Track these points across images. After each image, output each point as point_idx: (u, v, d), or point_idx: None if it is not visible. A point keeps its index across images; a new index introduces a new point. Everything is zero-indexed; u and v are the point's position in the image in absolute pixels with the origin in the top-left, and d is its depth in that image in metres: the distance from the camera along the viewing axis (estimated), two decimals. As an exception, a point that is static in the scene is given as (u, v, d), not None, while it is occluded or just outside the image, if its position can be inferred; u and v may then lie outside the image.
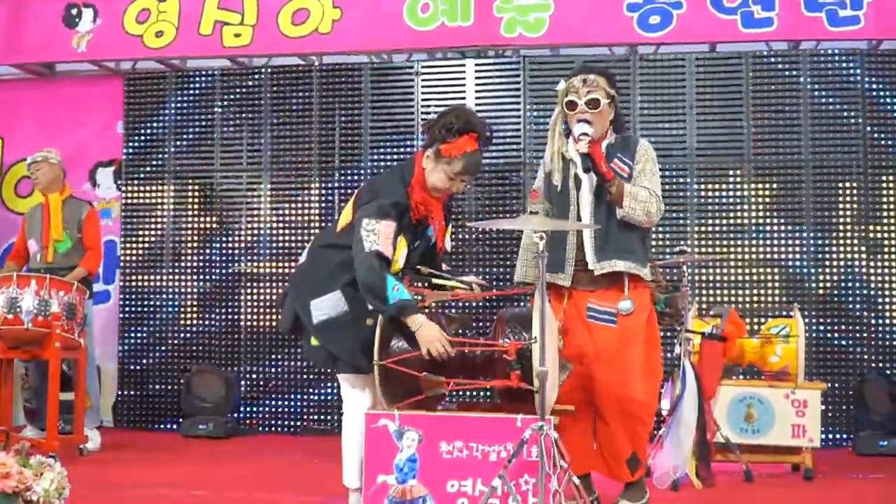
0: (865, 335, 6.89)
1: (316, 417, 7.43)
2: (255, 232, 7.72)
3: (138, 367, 7.80)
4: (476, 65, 7.49)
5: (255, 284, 7.70)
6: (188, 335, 7.77)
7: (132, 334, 7.85)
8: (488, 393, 6.38)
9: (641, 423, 4.21)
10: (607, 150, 4.26)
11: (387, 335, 3.90)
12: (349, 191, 7.42)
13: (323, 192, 7.65)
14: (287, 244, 7.66)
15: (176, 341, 7.78)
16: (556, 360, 4.03)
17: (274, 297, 7.60)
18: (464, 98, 7.41)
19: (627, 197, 4.16)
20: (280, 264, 7.64)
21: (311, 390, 7.45)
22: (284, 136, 7.73)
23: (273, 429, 7.51)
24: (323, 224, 7.56)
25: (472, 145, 4.05)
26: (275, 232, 7.68)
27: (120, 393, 7.78)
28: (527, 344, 3.82)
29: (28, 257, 6.77)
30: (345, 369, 4.16)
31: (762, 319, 6.61)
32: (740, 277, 7.04)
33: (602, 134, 4.28)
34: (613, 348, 4.17)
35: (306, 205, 7.64)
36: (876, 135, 7.02)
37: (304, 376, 7.49)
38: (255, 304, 7.69)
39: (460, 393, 6.46)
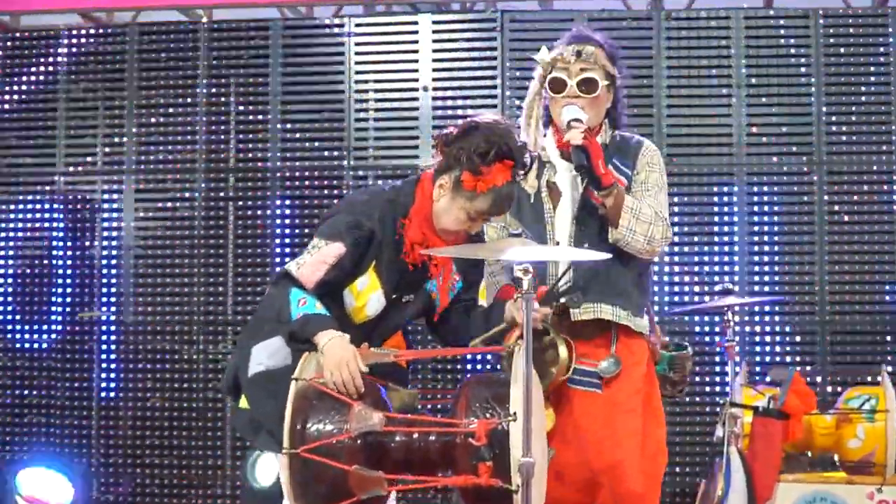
0: None
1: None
2: (114, 262, 7.71)
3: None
4: (433, 23, 7.51)
5: (118, 336, 7.69)
6: (16, 410, 7.74)
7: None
8: (447, 495, 6.37)
9: None
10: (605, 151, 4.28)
11: (302, 410, 3.85)
12: (251, 202, 7.50)
13: (211, 202, 7.64)
14: (157, 276, 7.67)
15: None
16: (545, 445, 4.04)
17: (142, 356, 7.62)
18: (416, 71, 7.44)
19: (627, 213, 4.18)
20: (147, 307, 7.65)
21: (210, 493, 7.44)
22: (157, 125, 7.73)
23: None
24: (212, 249, 7.58)
25: (505, 176, 4.01)
26: (141, 258, 7.70)
27: None
28: (502, 423, 3.76)
29: None
30: (268, 445, 4.10)
31: (839, 388, 6.61)
32: (807, 328, 7.03)
33: (595, 128, 4.31)
34: (599, 422, 4.22)
35: (187, 221, 7.63)
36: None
37: (198, 471, 7.47)
38: (121, 362, 7.68)
39: (408, 496, 6.43)
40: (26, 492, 7.13)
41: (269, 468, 6.27)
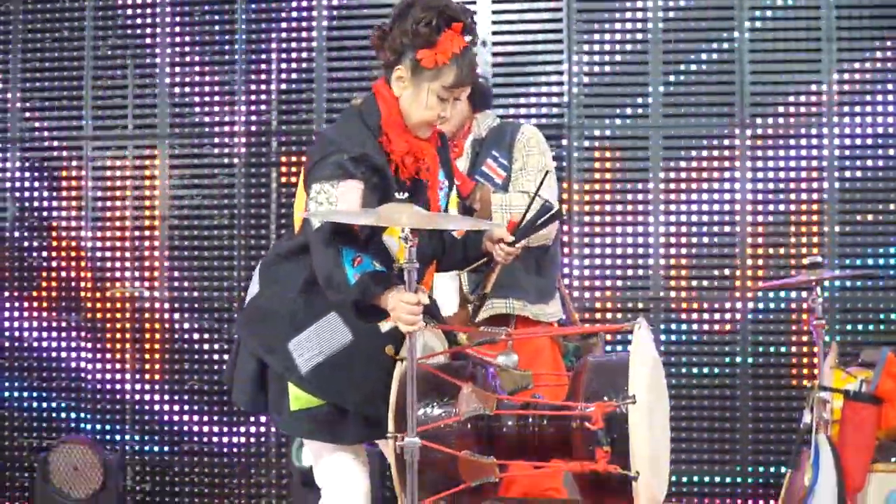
0: None
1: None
2: (147, 233, 7.82)
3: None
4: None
5: (152, 314, 7.78)
6: (44, 391, 7.87)
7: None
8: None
9: None
10: (475, 148, 4.55)
11: (405, 395, 3.82)
12: (296, 168, 7.59)
13: (252, 167, 7.75)
14: (193, 249, 7.78)
15: (26, 402, 7.88)
16: (667, 431, 4.19)
17: (179, 335, 7.72)
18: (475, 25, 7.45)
19: (498, 211, 4.45)
20: (183, 283, 7.77)
21: (237, 480, 7.54)
22: (192, 84, 7.82)
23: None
24: (253, 220, 7.71)
25: (459, 42, 4.01)
26: (176, 233, 7.80)
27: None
28: (621, 406, 3.86)
29: None
30: (347, 438, 4.16)
31: None
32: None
33: (464, 127, 4.60)
34: None
35: (226, 189, 7.77)
36: None
37: (228, 457, 7.62)
38: (152, 344, 7.79)
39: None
40: (56, 479, 7.38)
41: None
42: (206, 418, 7.68)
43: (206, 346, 7.70)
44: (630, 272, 7.37)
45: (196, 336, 7.72)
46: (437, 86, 4.01)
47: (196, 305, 7.66)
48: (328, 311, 4.07)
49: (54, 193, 7.93)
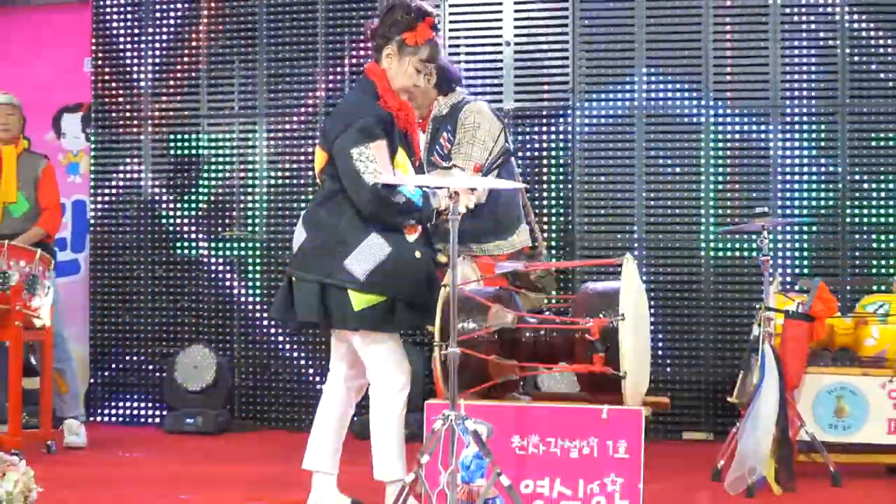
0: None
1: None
2: (250, 189, 7.77)
3: (113, 351, 7.91)
4: (514, -11, 7.47)
5: (252, 252, 7.76)
6: (172, 312, 7.86)
7: (106, 311, 7.94)
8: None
9: None
10: (435, 124, 4.73)
11: (448, 313, 3.90)
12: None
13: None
14: (287, 202, 7.72)
15: (158, 319, 7.87)
16: (648, 341, 4.27)
17: (275, 267, 7.69)
18: (500, 28, 7.41)
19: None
20: (279, 227, 7.71)
21: (320, 378, 7.46)
22: (283, 75, 7.77)
23: (274, 423, 7.61)
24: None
25: (430, 31, 4.38)
26: (273, 189, 7.73)
27: (92, 381, 7.90)
28: (613, 321, 3.93)
29: None
30: (401, 325, 4.34)
31: (857, 295, 6.59)
32: (831, 245, 7.03)
33: (430, 107, 4.76)
34: None
35: (311, 156, 7.62)
36: None
37: (313, 361, 7.58)
38: (253, 275, 7.76)
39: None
40: (180, 376, 7.45)
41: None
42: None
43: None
44: (622, 220, 7.31)
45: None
46: (416, 59, 4.36)
47: (287, 245, 7.52)
48: (368, 233, 4.23)
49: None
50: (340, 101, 4.57)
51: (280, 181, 7.73)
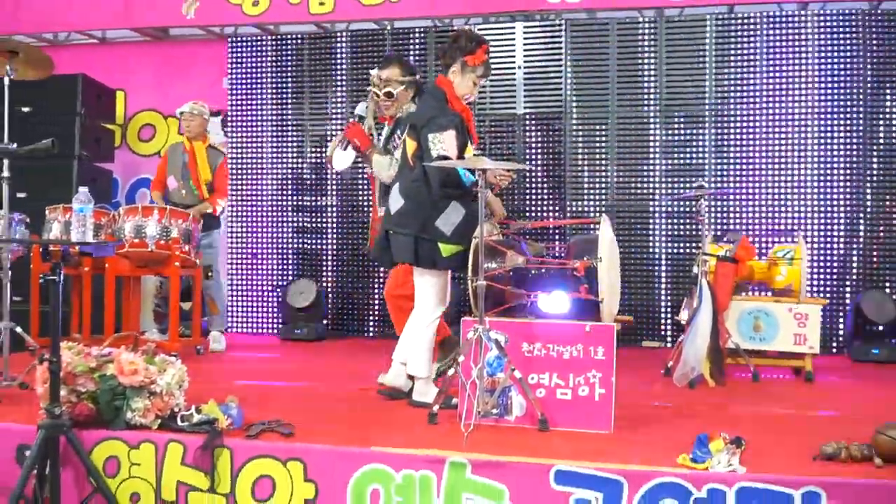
0: (863, 254, 6.67)
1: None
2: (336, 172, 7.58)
3: (244, 282, 7.86)
4: (524, 27, 7.28)
5: (335, 216, 7.67)
6: (285, 255, 7.80)
7: (239, 255, 7.88)
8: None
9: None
10: (396, 123, 4.71)
11: (477, 255, 3.94)
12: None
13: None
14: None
15: (275, 260, 7.81)
16: (619, 277, 4.25)
17: (346, 227, 7.62)
18: (514, 56, 7.23)
19: (375, 165, 4.70)
20: (349, 197, 7.60)
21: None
22: (363, 93, 7.54)
23: (355, 333, 7.54)
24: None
25: (485, 55, 4.24)
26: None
27: (229, 303, 7.84)
28: (593, 262, 3.98)
29: (166, 190, 6.72)
30: (461, 266, 4.22)
31: (770, 244, 6.44)
32: (752, 207, 6.82)
33: (394, 113, 4.76)
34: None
35: None
36: (874, 86, 6.71)
37: (380, 288, 7.42)
38: (338, 230, 7.68)
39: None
40: (291, 299, 7.31)
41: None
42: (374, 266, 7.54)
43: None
44: (599, 191, 7.10)
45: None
46: (474, 76, 4.23)
47: (346, 209, 7.44)
48: (450, 201, 4.10)
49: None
50: (420, 104, 4.39)
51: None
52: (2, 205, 4.67)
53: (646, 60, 7.03)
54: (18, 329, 4.79)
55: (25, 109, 7.08)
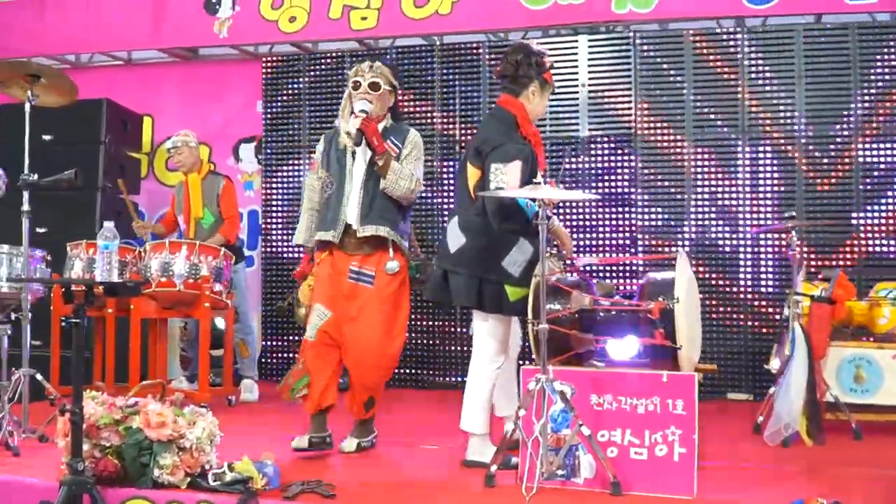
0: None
1: (441, 372, 7.41)
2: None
3: (280, 325, 7.91)
4: (588, 41, 7.30)
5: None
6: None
7: (274, 295, 7.93)
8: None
9: (384, 373, 4.57)
10: (382, 132, 4.47)
11: (539, 296, 3.89)
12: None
13: (445, 164, 7.55)
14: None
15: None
16: (699, 320, 4.20)
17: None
18: (577, 73, 7.25)
19: (392, 172, 4.39)
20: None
21: (442, 345, 7.41)
22: (408, 113, 7.63)
23: (408, 383, 7.46)
24: (442, 195, 7.50)
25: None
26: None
27: (264, 347, 7.91)
28: (669, 304, 3.90)
29: (177, 228, 6.86)
30: (525, 311, 4.22)
31: (871, 283, 6.27)
32: (849, 242, 6.71)
33: (380, 116, 4.50)
34: (368, 307, 4.43)
35: (427, 176, 7.52)
36: None
37: (431, 337, 7.46)
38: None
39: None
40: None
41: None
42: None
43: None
44: (675, 221, 7.06)
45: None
46: (548, 94, 4.31)
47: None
48: (517, 237, 4.09)
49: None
50: (482, 128, 4.36)
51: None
52: (22, 241, 4.80)
53: (726, 76, 7.00)
54: (38, 376, 4.90)
55: (47, 137, 7.29)
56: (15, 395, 4.67)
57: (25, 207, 4.71)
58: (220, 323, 6.86)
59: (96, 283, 3.61)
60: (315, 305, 4.53)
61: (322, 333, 4.52)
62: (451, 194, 7.42)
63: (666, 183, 7.10)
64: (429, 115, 7.61)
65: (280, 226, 8.01)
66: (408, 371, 7.45)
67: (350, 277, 4.47)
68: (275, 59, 8.07)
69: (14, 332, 4.91)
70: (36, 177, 4.59)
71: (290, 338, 7.85)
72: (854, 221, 6.72)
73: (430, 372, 7.44)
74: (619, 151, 7.19)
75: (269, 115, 8.03)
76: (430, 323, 7.46)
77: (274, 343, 7.94)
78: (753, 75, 6.95)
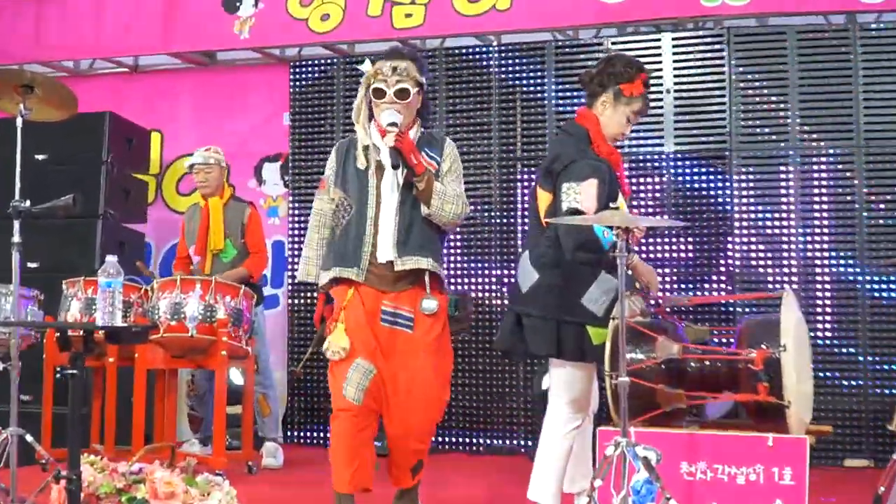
0: None
1: (501, 435, 7.32)
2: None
3: (311, 377, 7.86)
4: (673, 39, 7.31)
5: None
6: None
7: (303, 342, 7.90)
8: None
9: (433, 428, 4.43)
10: (416, 144, 4.29)
11: (617, 343, 3.88)
12: (530, 183, 7.37)
13: (504, 184, 7.57)
14: (469, 238, 7.59)
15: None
16: (810, 372, 4.16)
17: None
18: (661, 77, 7.24)
19: (437, 195, 4.19)
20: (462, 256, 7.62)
21: (513, 400, 7.29)
22: (460, 125, 7.69)
23: (455, 447, 7.42)
24: (500, 221, 7.51)
25: (643, 86, 4.29)
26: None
27: (290, 405, 7.89)
28: (776, 353, 3.85)
29: (191, 264, 6.78)
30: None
31: None
32: None
33: (409, 124, 4.28)
34: (412, 358, 4.20)
35: (485, 199, 7.56)
36: None
37: (486, 394, 7.39)
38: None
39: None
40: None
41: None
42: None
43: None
44: (778, 254, 7.01)
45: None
46: (629, 110, 4.28)
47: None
48: (598, 270, 4.10)
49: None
50: (552, 146, 4.41)
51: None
52: (11, 278, 4.84)
53: (838, 79, 6.96)
54: (28, 437, 4.93)
55: (40, 157, 7.39)
56: (1, 458, 4.71)
57: (16, 238, 4.73)
58: (235, 376, 6.87)
59: (96, 328, 3.64)
60: (356, 361, 4.20)
61: (368, 397, 4.22)
62: (508, 220, 7.44)
63: (768, 207, 7.05)
64: (486, 127, 7.63)
65: (311, 260, 8.04)
66: (456, 434, 7.42)
67: (384, 321, 4.22)
68: (304, 63, 8.14)
69: (1, 384, 4.94)
70: (28, 203, 4.65)
71: (320, 395, 7.76)
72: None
73: (484, 434, 7.40)
74: (712, 170, 7.16)
75: (297, 130, 8.08)
76: (486, 374, 7.41)
77: (302, 400, 7.92)
78: (868, 79, 6.90)
